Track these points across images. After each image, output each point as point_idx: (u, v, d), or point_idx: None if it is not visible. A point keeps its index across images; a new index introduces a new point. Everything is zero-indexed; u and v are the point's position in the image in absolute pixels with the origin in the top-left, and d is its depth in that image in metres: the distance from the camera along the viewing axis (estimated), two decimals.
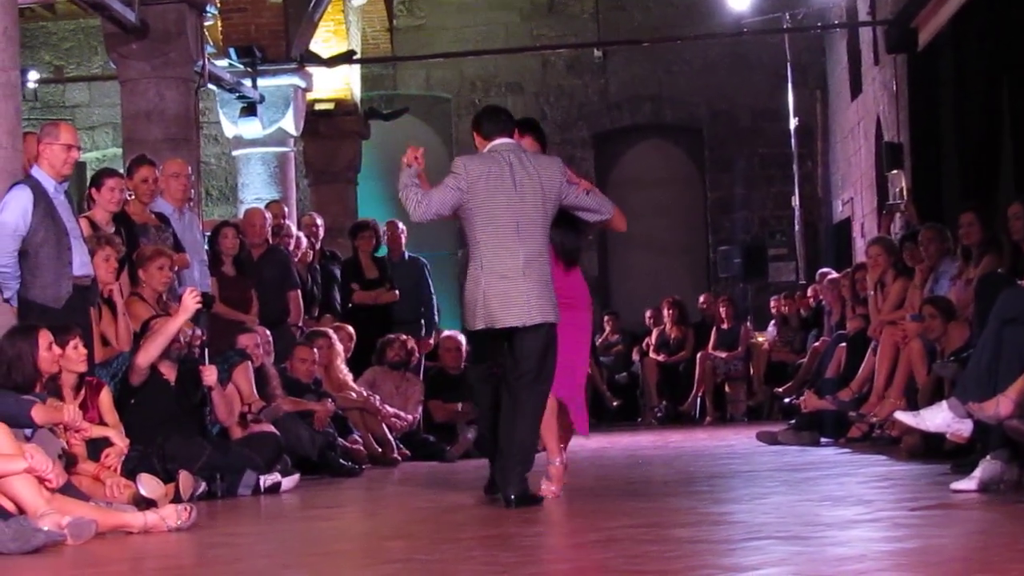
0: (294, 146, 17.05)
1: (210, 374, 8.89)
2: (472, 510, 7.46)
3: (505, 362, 7.35)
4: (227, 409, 9.24)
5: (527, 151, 7.56)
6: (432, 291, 14.16)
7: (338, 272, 13.70)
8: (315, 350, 11.40)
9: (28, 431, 6.77)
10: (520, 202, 7.33)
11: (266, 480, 8.85)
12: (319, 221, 13.88)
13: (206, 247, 11.31)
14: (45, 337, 7.41)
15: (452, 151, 21.56)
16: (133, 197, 10.12)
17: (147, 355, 8.62)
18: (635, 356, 18.11)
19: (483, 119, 7.59)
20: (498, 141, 7.47)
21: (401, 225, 14.08)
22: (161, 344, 8.59)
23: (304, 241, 13.02)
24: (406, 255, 14.13)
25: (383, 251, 14.14)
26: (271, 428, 9.67)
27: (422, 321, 13.99)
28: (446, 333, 13.68)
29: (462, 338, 13.36)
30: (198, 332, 9.01)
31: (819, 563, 4.69)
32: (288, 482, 9.01)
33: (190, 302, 8.46)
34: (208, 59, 14.25)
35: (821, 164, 20.94)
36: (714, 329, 17.35)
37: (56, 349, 7.48)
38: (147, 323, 8.96)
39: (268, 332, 10.92)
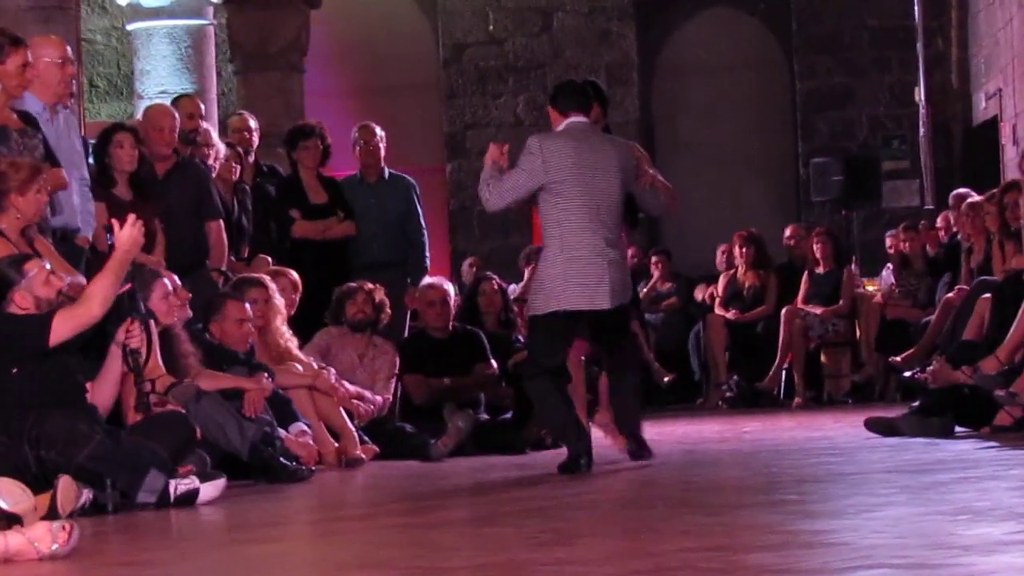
0: (214, 18, 17.00)
1: (133, 333, 8.95)
2: (467, 528, 7.49)
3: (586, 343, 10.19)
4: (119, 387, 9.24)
5: (599, 132, 9.78)
6: (423, 222, 14.05)
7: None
8: (247, 305, 11.39)
9: None
10: (598, 184, 9.55)
11: (178, 486, 8.84)
12: (252, 124, 13.85)
13: (90, 160, 11.29)
14: None
15: (436, 22, 21.55)
16: None
17: (105, 303, 8.55)
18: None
19: (560, 94, 9.82)
20: (573, 119, 9.62)
21: (379, 131, 13.94)
22: (114, 290, 8.58)
23: (223, 150, 12.96)
24: (387, 172, 14.04)
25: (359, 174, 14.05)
26: (179, 410, 9.68)
27: (408, 265, 13.92)
28: (428, 281, 13.61)
29: (449, 287, 13.38)
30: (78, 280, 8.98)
31: None
32: (210, 489, 9.01)
33: (137, 233, 8.49)
34: None
35: (956, 43, 20.87)
36: (805, 275, 17.37)
37: None
38: None
39: (178, 279, 10.90)
